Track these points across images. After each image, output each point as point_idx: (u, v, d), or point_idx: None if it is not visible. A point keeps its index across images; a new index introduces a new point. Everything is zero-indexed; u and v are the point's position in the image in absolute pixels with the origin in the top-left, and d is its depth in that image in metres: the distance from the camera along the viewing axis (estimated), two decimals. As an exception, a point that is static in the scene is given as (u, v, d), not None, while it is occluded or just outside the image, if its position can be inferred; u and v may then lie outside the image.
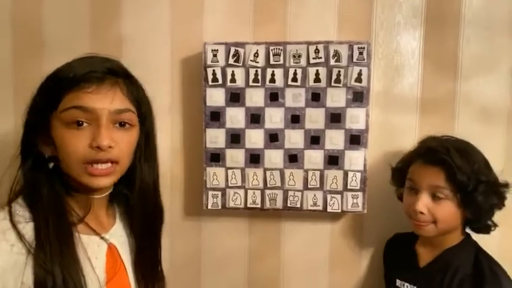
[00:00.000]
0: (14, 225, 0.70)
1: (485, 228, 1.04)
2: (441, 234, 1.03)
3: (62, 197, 0.77)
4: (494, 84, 1.19)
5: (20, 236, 0.70)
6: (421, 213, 1.00)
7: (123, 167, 0.78)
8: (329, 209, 1.19)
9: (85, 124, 0.72)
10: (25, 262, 0.69)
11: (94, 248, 0.78)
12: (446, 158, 0.97)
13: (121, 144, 0.74)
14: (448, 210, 0.99)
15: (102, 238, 0.80)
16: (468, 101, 1.19)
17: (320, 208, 1.20)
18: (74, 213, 0.77)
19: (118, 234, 0.85)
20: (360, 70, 1.15)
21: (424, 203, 1.00)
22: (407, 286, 1.08)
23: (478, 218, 1.02)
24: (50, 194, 0.75)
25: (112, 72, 0.75)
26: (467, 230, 1.07)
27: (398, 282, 1.10)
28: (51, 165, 0.76)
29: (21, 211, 0.73)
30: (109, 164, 0.74)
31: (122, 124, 0.75)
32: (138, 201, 0.84)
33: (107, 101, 0.73)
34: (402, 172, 1.10)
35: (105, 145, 0.71)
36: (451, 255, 1.03)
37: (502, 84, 1.19)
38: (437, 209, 0.99)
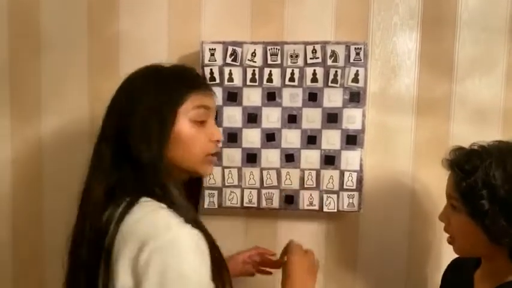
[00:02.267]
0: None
1: None
2: (470, 254, 0.88)
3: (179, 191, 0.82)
4: (490, 85, 1.20)
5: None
6: (442, 222, 0.89)
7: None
8: (325, 209, 1.20)
9: (204, 122, 0.83)
10: None
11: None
12: (452, 160, 0.85)
13: None
14: (460, 223, 0.84)
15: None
16: (464, 102, 1.20)
17: (316, 208, 1.20)
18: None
19: None
20: (357, 70, 1.15)
21: (444, 213, 0.89)
22: None
23: (498, 239, 0.79)
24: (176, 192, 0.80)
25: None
26: None
27: None
28: (145, 159, 0.77)
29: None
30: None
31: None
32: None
33: (215, 102, 0.88)
34: None
35: (222, 139, 0.88)
36: None
37: (497, 86, 1.19)
38: (452, 220, 0.86)
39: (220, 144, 0.89)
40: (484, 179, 0.78)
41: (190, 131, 0.80)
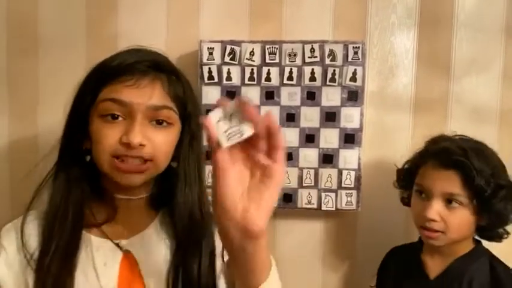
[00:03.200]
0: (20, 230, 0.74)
1: (498, 236, 0.97)
2: (452, 243, 0.95)
3: (83, 195, 0.74)
4: (487, 84, 1.20)
5: (22, 242, 0.72)
6: (433, 220, 0.92)
7: (158, 166, 0.72)
8: (323, 207, 1.20)
9: (120, 118, 0.69)
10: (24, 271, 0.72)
11: (106, 253, 0.73)
12: (464, 161, 0.88)
13: (155, 142, 0.69)
14: (462, 218, 0.91)
15: (116, 245, 0.73)
16: (461, 101, 1.21)
17: (314, 206, 1.20)
18: (93, 214, 0.75)
19: (144, 244, 0.75)
20: (355, 69, 1.16)
21: (436, 210, 0.91)
22: None
23: (494, 225, 0.94)
24: (71, 190, 0.74)
25: (156, 67, 0.71)
26: (477, 238, 1.01)
27: None
28: (88, 158, 0.73)
29: (35, 214, 0.76)
30: (139, 161, 0.69)
31: (160, 122, 0.70)
32: (180, 208, 0.75)
33: (146, 96, 0.68)
34: (411, 175, 1.02)
35: (135, 143, 0.66)
36: (464, 264, 0.95)
37: (494, 85, 1.20)
38: (450, 218, 0.91)
39: (136, 150, 0.68)
40: (493, 177, 0.89)
41: (98, 127, 0.70)
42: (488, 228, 0.96)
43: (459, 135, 1.00)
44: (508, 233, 0.97)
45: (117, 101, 0.68)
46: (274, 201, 0.54)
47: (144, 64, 0.70)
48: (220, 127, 0.50)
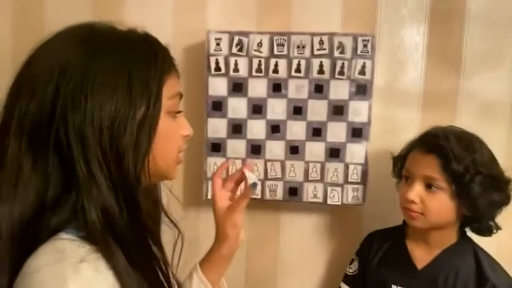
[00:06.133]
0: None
1: (487, 229, 0.98)
2: (434, 227, 0.97)
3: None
4: (498, 80, 1.18)
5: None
6: (413, 202, 0.95)
7: None
8: (329, 202, 1.19)
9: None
10: None
11: None
12: (443, 145, 0.92)
13: None
14: (441, 203, 0.94)
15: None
16: (471, 97, 1.19)
17: (320, 200, 1.19)
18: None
19: None
20: (364, 63, 1.14)
21: (416, 192, 0.95)
22: None
23: (476, 215, 0.95)
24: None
25: None
26: (469, 233, 1.02)
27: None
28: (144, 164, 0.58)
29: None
30: None
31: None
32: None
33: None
34: (401, 162, 1.05)
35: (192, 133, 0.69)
36: (450, 256, 0.98)
37: (505, 80, 1.18)
38: (430, 200, 0.94)
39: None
40: (475, 165, 0.91)
41: (170, 124, 0.61)
42: (474, 219, 0.97)
43: (451, 126, 1.02)
44: (498, 228, 0.98)
45: (181, 95, 0.65)
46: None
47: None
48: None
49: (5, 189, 0.54)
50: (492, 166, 0.94)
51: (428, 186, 0.95)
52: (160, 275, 0.59)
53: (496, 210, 0.95)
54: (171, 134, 0.63)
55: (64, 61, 0.55)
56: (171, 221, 0.71)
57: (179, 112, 0.65)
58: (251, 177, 0.84)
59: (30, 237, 0.53)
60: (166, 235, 0.73)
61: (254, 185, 0.84)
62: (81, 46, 0.57)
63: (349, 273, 1.16)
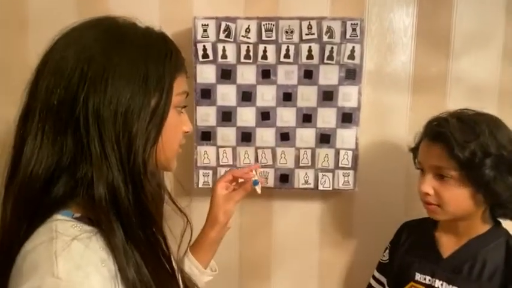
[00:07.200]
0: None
1: None
2: (455, 218, 0.93)
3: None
4: (487, 62, 1.18)
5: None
6: (427, 194, 0.91)
7: None
8: (320, 187, 1.19)
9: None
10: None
11: None
12: (443, 131, 0.87)
13: None
14: (454, 192, 0.89)
15: None
16: (460, 79, 1.19)
17: (311, 186, 1.19)
18: None
19: None
20: (353, 47, 1.13)
21: (428, 183, 0.91)
22: (429, 280, 0.96)
23: (498, 201, 0.89)
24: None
25: None
26: (506, 222, 0.96)
27: (418, 276, 0.98)
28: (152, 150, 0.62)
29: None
30: None
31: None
32: None
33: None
34: (415, 153, 1.00)
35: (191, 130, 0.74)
36: (479, 245, 0.93)
37: (493, 62, 1.18)
38: (443, 191, 0.90)
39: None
40: (482, 148, 0.85)
41: (175, 118, 0.66)
42: (498, 204, 0.90)
43: (467, 109, 0.94)
44: None
45: (187, 94, 0.70)
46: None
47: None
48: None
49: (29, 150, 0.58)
50: (508, 148, 0.87)
51: (440, 176, 0.90)
52: (161, 256, 0.63)
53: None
54: (175, 128, 0.67)
55: (90, 48, 0.60)
56: (177, 206, 0.74)
57: (184, 107, 0.70)
58: (254, 175, 0.99)
59: (31, 208, 0.58)
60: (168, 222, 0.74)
61: (255, 182, 0.97)
62: (106, 37, 0.62)
63: (382, 261, 1.13)
